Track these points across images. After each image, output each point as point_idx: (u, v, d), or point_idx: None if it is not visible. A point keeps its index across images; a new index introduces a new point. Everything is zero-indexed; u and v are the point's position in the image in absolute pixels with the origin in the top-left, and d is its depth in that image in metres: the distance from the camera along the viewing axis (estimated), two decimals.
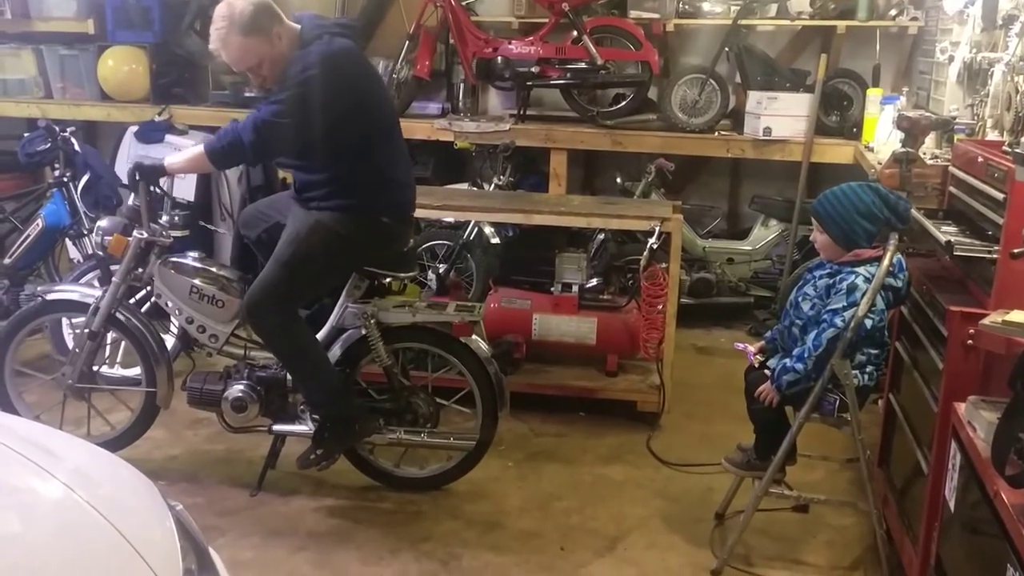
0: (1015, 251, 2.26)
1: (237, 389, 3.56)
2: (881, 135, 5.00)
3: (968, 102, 4.38)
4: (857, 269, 3.01)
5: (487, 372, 3.61)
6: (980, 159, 2.99)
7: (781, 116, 5.55)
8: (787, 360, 3.07)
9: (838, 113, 5.72)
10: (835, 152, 5.58)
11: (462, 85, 6.28)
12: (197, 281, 3.56)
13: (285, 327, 3.39)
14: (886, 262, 2.96)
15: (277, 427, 3.64)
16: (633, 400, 4.46)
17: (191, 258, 3.62)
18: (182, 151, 3.61)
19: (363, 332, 3.54)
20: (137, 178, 3.47)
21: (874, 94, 5.35)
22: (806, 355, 3.01)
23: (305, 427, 3.59)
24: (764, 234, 5.85)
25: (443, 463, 3.78)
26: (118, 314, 3.65)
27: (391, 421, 3.65)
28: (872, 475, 3.22)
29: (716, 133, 5.78)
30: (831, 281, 3.04)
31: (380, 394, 3.68)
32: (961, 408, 2.49)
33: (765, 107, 5.55)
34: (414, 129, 5.99)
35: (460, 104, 6.30)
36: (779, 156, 5.65)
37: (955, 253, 2.81)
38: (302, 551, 3.33)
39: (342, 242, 3.34)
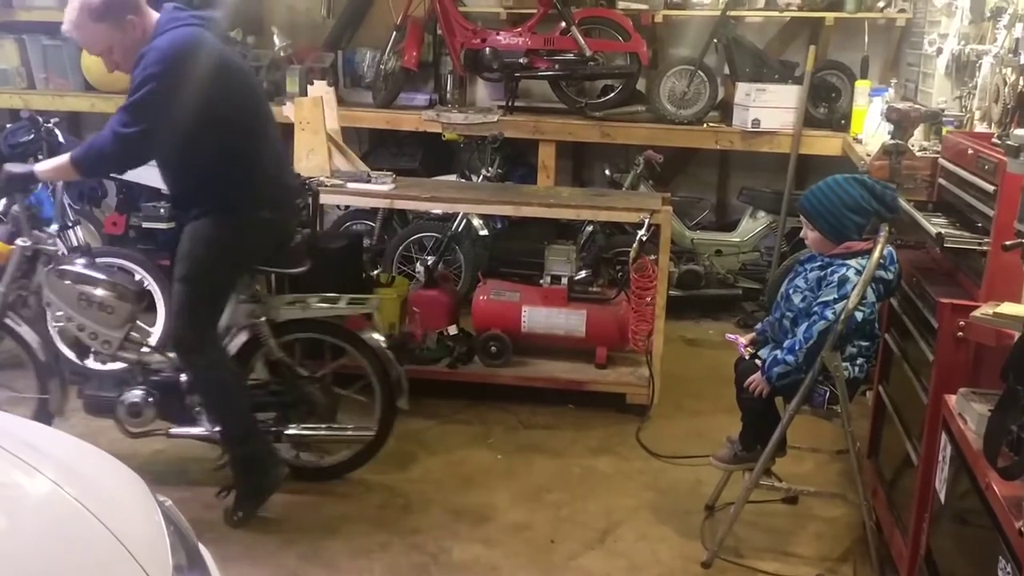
0: (1007, 243, 2.25)
1: (132, 394, 3.52)
2: (869, 127, 5.01)
3: (956, 94, 4.38)
4: (848, 262, 3.00)
5: (383, 363, 3.60)
6: (970, 151, 2.99)
7: (770, 108, 5.54)
8: (778, 352, 3.06)
9: (826, 105, 5.72)
10: (823, 144, 5.58)
11: (450, 76, 6.23)
12: (85, 288, 3.48)
13: (209, 350, 3.36)
14: (876, 254, 2.96)
15: (175, 430, 3.61)
16: (622, 392, 4.46)
17: (79, 265, 3.54)
18: (52, 159, 3.54)
19: (254, 329, 3.54)
20: (6, 187, 3.42)
21: (862, 86, 5.35)
22: (797, 347, 3.01)
23: (202, 428, 3.56)
24: (752, 226, 5.85)
25: (344, 452, 3.75)
26: (7, 321, 3.56)
27: (288, 415, 3.62)
28: (862, 467, 3.23)
29: (705, 125, 5.77)
30: (822, 274, 3.04)
31: (276, 387, 3.65)
32: (952, 400, 2.49)
33: (754, 99, 5.54)
34: (401, 120, 5.98)
35: (448, 95, 6.26)
36: (767, 148, 5.65)
37: (945, 245, 2.81)
38: (291, 545, 3.31)
39: (228, 246, 3.30)
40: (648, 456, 4.08)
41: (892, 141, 3.64)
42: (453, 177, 5.84)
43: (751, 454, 3.23)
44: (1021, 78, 3.49)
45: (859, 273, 2.97)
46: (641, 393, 4.42)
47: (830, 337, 2.97)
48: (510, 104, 5.99)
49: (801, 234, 3.25)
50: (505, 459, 4.00)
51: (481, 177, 5.52)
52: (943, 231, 2.83)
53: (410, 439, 4.13)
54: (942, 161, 3.33)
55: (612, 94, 5.90)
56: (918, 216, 3.08)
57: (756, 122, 5.55)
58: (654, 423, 4.38)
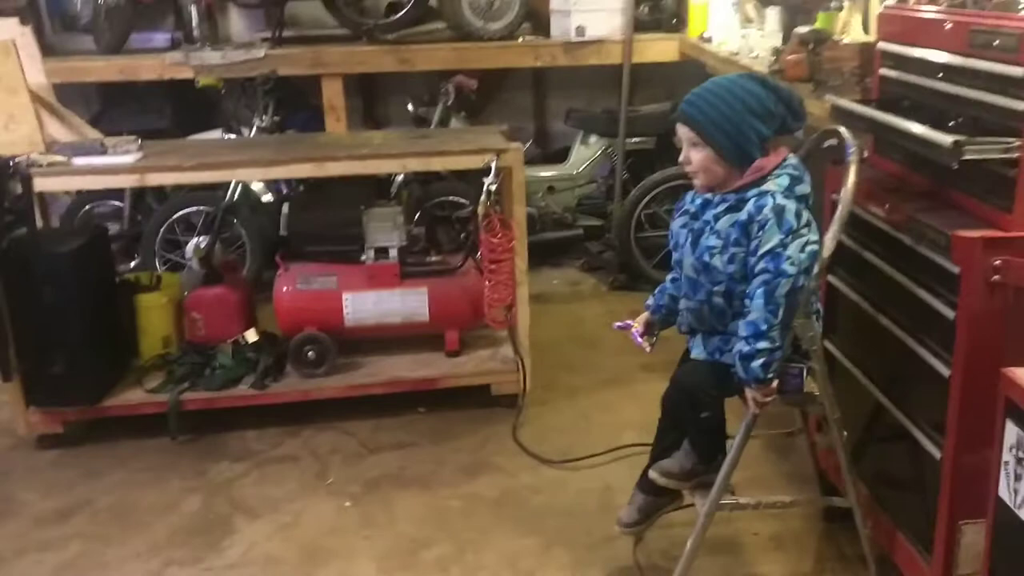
0: None
1: None
2: (719, 21, 4.27)
3: None
4: (765, 187, 2.17)
5: None
6: (949, 25, 2.22)
7: (593, 11, 4.72)
8: (742, 346, 2.17)
9: (649, 3, 4.96)
10: (657, 49, 4.85)
11: (194, 7, 5.01)
12: None
13: None
14: (852, 180, 2.16)
15: None
16: (485, 383, 3.54)
17: None
18: None
19: None
20: None
21: None
22: (765, 327, 2.13)
23: None
24: (585, 154, 5.04)
25: None
26: None
27: None
28: (850, 465, 2.43)
29: (519, 39, 4.87)
30: (740, 216, 2.17)
31: None
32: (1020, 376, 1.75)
33: (574, 3, 4.68)
34: (139, 68, 4.70)
35: (195, 31, 5.03)
36: (595, 60, 4.84)
37: (966, 158, 2.02)
38: None
39: None
40: (536, 463, 3.20)
41: (808, 28, 2.84)
42: (218, 133, 4.67)
43: (710, 466, 2.39)
44: None
45: (789, 197, 2.16)
46: (508, 380, 3.52)
47: (801, 296, 2.16)
48: (277, 35, 4.91)
49: (681, 157, 2.34)
50: (355, 505, 2.98)
51: (254, 129, 4.48)
52: (961, 138, 2.04)
53: (218, 498, 3.03)
54: (884, 46, 2.57)
55: (402, 12, 4.88)
56: (898, 121, 2.27)
57: (581, 30, 4.71)
58: (530, 414, 3.50)
